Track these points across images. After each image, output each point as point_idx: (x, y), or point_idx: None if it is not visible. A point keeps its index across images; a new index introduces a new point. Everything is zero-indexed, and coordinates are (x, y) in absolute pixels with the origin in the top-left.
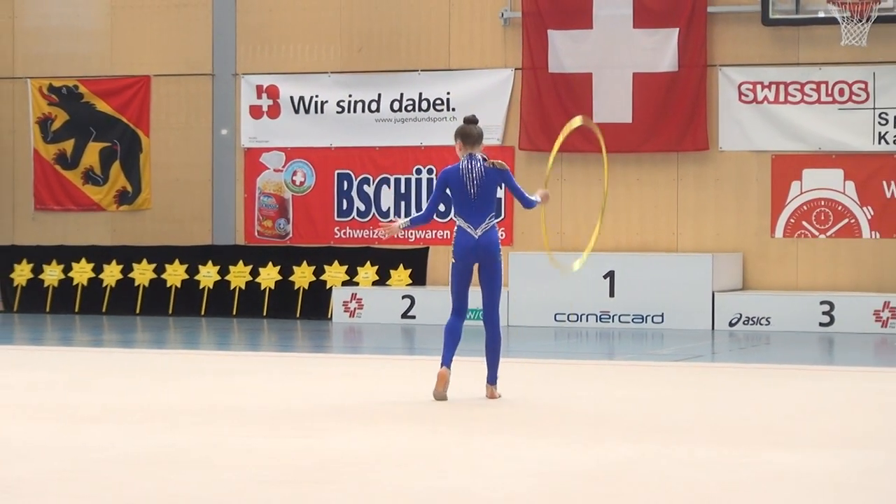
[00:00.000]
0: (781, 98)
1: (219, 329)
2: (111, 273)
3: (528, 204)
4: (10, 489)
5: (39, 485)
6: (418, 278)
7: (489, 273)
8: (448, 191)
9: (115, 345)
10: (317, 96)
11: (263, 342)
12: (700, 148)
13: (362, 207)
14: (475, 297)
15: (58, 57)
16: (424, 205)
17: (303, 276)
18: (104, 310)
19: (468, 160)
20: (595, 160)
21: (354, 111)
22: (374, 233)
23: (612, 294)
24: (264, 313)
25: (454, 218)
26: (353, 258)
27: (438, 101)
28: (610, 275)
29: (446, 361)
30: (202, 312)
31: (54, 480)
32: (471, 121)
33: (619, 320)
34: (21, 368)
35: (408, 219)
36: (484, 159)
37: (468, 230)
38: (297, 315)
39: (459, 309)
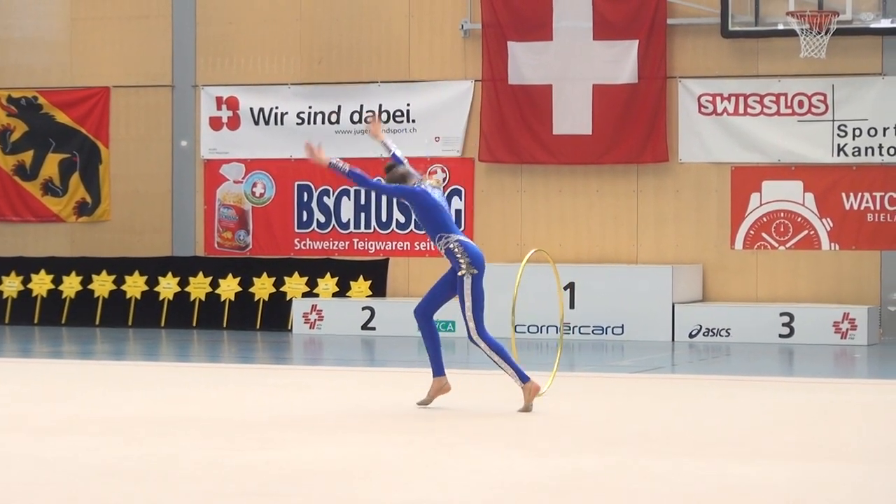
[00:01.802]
0: (741, 110)
1: (179, 340)
2: (70, 284)
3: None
4: None
5: (2, 496)
6: (378, 290)
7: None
8: (416, 206)
9: (74, 356)
10: (277, 108)
11: (224, 353)
12: (660, 159)
13: (322, 219)
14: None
15: (17, 68)
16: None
17: (263, 287)
18: (63, 321)
19: (420, 185)
20: (554, 171)
21: (314, 122)
22: (333, 244)
23: (572, 305)
24: (224, 325)
25: (451, 234)
26: (313, 269)
27: (399, 113)
28: (570, 286)
29: (524, 376)
30: (162, 324)
31: (17, 492)
32: (389, 169)
33: (580, 332)
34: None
35: (344, 165)
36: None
37: (471, 242)
38: (258, 326)
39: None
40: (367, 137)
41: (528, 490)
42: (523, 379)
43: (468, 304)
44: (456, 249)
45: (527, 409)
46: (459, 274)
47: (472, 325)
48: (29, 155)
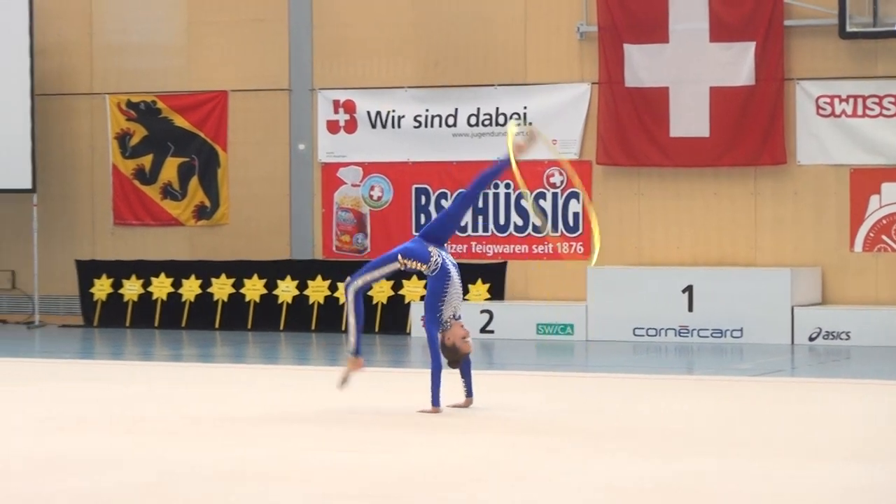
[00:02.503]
0: (860, 111)
1: (297, 343)
2: (190, 288)
3: None
4: (93, 501)
5: (123, 498)
6: (496, 293)
7: None
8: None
9: (193, 359)
10: (394, 111)
11: (342, 356)
12: (778, 162)
13: None
14: None
15: (136, 73)
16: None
17: (381, 290)
18: (183, 324)
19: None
20: (671, 174)
21: (431, 126)
22: (451, 247)
23: (690, 308)
24: (343, 328)
25: (439, 247)
26: None
27: (515, 116)
28: (689, 289)
29: (359, 349)
30: (281, 327)
31: (137, 493)
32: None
33: (698, 335)
34: (102, 382)
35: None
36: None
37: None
38: (376, 330)
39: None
40: (483, 140)
41: (639, 493)
42: (357, 352)
43: (375, 269)
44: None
45: (342, 381)
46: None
47: (359, 279)
48: (148, 159)
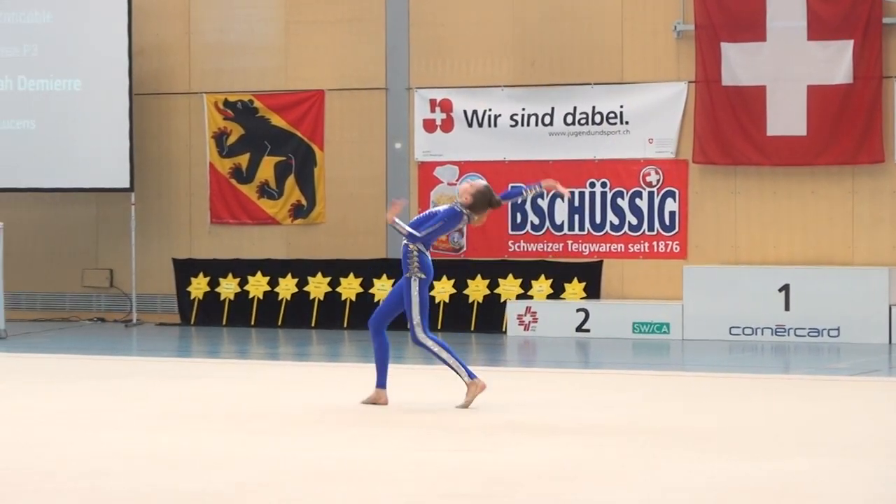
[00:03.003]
0: None
1: (394, 342)
2: (286, 286)
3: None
4: (204, 500)
5: (232, 496)
6: (592, 292)
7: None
8: (442, 224)
9: (290, 358)
10: (490, 110)
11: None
12: (875, 160)
13: (536, 221)
14: None
15: (233, 72)
16: (588, 218)
17: (477, 289)
18: (279, 323)
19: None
20: (769, 172)
21: (528, 125)
22: (547, 246)
23: (787, 308)
24: (439, 326)
25: (421, 245)
26: (527, 271)
27: (612, 115)
28: (785, 288)
29: (470, 373)
30: None
31: (245, 493)
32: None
33: (795, 334)
34: (200, 380)
35: (404, 226)
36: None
37: (427, 253)
38: (472, 328)
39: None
40: (579, 139)
41: (741, 493)
42: (470, 375)
43: (415, 305)
44: (414, 254)
45: (466, 405)
46: (406, 275)
47: (417, 325)
48: (245, 158)
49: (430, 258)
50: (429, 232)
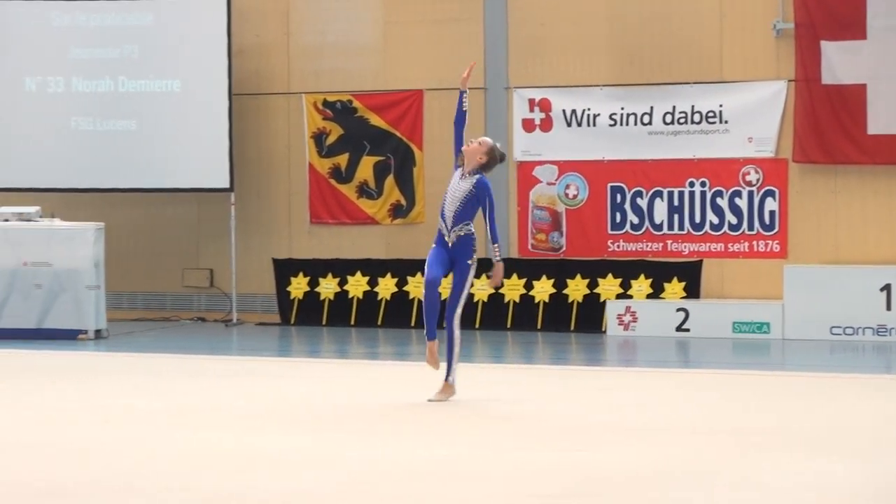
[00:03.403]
0: None
1: (493, 342)
2: (386, 286)
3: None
4: (302, 500)
5: (321, 496)
6: (692, 291)
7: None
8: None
9: (389, 357)
10: (589, 109)
11: (538, 355)
12: None
13: (636, 220)
14: None
15: (332, 72)
16: (688, 217)
17: (577, 289)
18: (379, 322)
19: (459, 176)
20: (869, 171)
21: (626, 124)
22: (646, 245)
23: (888, 307)
24: (538, 326)
25: (469, 223)
26: (626, 271)
27: (711, 114)
28: (887, 288)
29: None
30: (476, 325)
31: (344, 492)
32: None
33: None
34: (299, 380)
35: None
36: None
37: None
38: (572, 328)
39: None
40: (679, 138)
41: (844, 496)
42: (448, 377)
43: (465, 291)
44: (474, 239)
45: (435, 400)
46: (468, 262)
47: (458, 310)
48: (344, 158)
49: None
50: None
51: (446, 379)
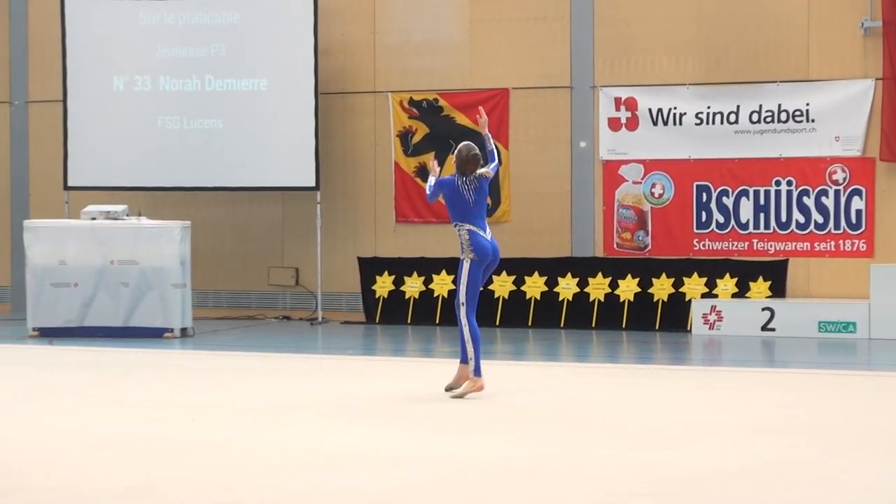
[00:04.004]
0: None
1: (578, 341)
2: None
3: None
4: (378, 498)
5: (404, 494)
6: (778, 290)
7: (489, 273)
8: (442, 198)
9: None
10: (675, 108)
11: (622, 354)
12: None
13: (721, 219)
14: None
15: (418, 71)
16: (774, 216)
17: (662, 288)
18: None
19: (460, 175)
20: None
21: (713, 123)
22: (732, 244)
23: None
24: (623, 325)
25: (464, 224)
26: (712, 270)
27: (798, 113)
28: None
29: (478, 370)
30: (561, 324)
31: (418, 490)
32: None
33: None
34: (385, 379)
35: (432, 180)
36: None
37: (480, 233)
38: (656, 327)
39: (476, 305)
40: (765, 137)
41: None
42: (477, 372)
43: (463, 285)
44: (463, 236)
45: (459, 395)
46: (461, 258)
47: (462, 302)
48: (430, 157)
49: (483, 238)
50: (430, 193)
51: (475, 375)
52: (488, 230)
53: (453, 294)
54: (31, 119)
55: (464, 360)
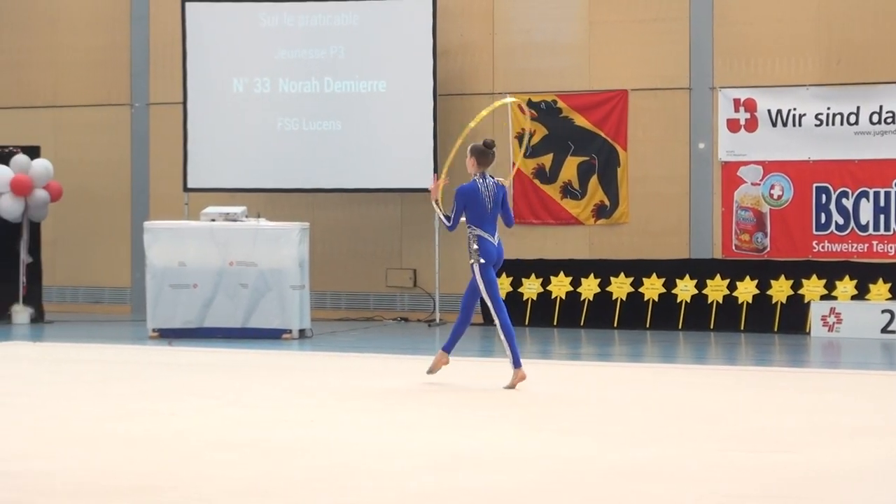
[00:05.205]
0: None
1: (696, 343)
2: (589, 287)
3: (510, 222)
4: (490, 498)
5: (519, 495)
6: None
7: (496, 270)
8: (462, 205)
9: (591, 358)
10: (794, 109)
11: (740, 356)
12: None
13: (840, 221)
14: None
15: (536, 72)
16: (894, 218)
17: (780, 289)
18: (581, 323)
19: (482, 178)
20: None
21: (832, 124)
22: (851, 246)
23: None
24: (741, 327)
25: (476, 228)
26: (831, 272)
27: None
28: None
29: (518, 361)
30: (679, 326)
31: (533, 491)
32: (489, 145)
33: None
34: (501, 380)
35: (442, 212)
36: (492, 177)
37: (489, 238)
38: (775, 329)
39: (501, 301)
40: (886, 139)
41: None
42: (517, 363)
43: (482, 287)
44: (472, 241)
45: (510, 387)
46: (470, 262)
47: (490, 303)
48: (548, 158)
49: (491, 244)
50: (455, 216)
51: (516, 367)
52: (497, 235)
53: (571, 296)
54: (152, 121)
55: (516, 364)
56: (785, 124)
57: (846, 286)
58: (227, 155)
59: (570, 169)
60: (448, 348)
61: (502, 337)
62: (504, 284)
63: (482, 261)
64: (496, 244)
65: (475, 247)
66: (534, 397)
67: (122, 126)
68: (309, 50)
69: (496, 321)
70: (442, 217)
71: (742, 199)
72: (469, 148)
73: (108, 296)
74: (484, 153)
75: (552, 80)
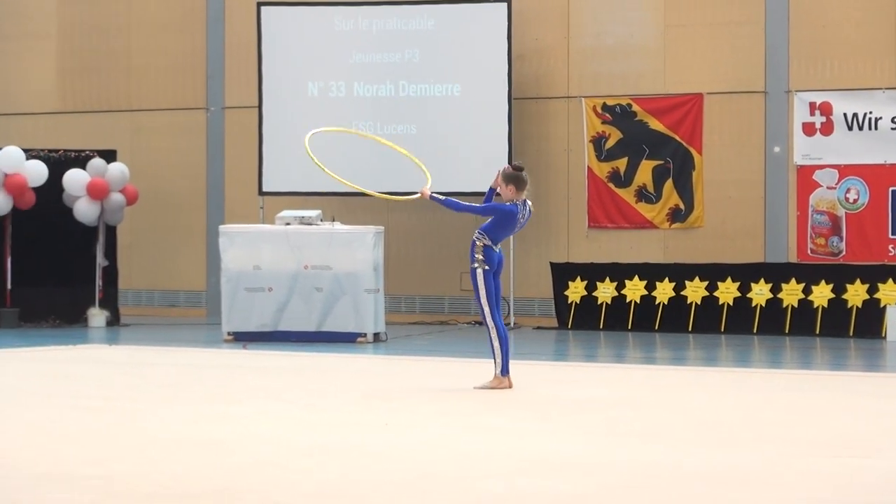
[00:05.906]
0: None
1: (770, 347)
2: (664, 290)
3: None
4: (573, 502)
5: (599, 500)
6: None
7: (498, 274)
8: (498, 220)
9: (666, 362)
10: (871, 112)
11: (815, 360)
12: None
13: None
14: None
15: (611, 76)
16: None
17: (856, 294)
18: (656, 327)
19: (523, 206)
20: None
21: None
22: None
23: None
24: (817, 331)
25: (487, 236)
26: None
27: None
28: None
29: (506, 369)
30: (754, 330)
31: (613, 497)
32: (520, 168)
33: None
34: (576, 385)
35: (440, 197)
36: (530, 203)
37: (494, 248)
38: (850, 333)
39: (499, 307)
40: None
41: None
42: (504, 371)
43: (482, 292)
44: (478, 250)
45: (484, 388)
46: (473, 267)
47: (486, 310)
48: (623, 162)
49: (495, 253)
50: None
51: (502, 374)
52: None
53: (646, 300)
54: (228, 125)
55: (504, 371)
56: (861, 128)
57: None
58: (302, 159)
59: (644, 173)
60: (505, 371)
61: (496, 343)
62: (578, 288)
63: (486, 268)
64: (497, 252)
65: (480, 257)
66: (611, 402)
67: (197, 130)
68: (384, 54)
69: (492, 328)
70: (444, 201)
71: (817, 202)
72: (502, 176)
73: (183, 299)
74: (520, 179)
75: (627, 84)
